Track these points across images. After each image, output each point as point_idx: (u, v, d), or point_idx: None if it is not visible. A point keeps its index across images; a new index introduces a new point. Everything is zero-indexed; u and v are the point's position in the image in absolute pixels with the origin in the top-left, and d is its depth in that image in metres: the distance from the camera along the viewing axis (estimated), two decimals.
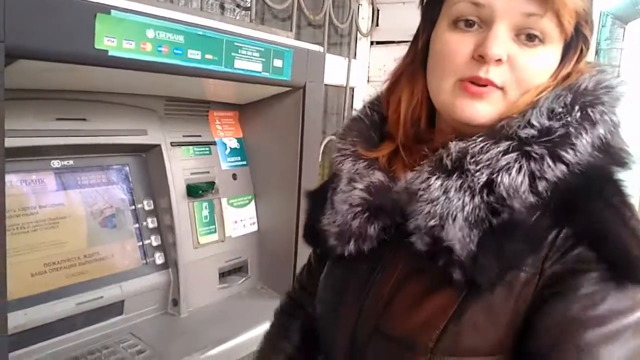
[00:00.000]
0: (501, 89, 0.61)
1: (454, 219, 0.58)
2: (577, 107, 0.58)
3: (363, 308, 0.68)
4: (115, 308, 1.03)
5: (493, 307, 0.58)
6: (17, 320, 0.87)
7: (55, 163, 0.98)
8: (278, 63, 1.14)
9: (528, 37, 0.60)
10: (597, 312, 0.53)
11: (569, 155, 0.56)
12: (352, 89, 2.03)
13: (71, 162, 1.00)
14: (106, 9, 0.80)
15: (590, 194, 0.56)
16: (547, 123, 0.58)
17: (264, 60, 1.10)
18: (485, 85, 0.60)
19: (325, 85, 1.33)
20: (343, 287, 0.72)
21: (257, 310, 1.21)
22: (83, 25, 0.78)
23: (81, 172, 1.02)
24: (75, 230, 0.99)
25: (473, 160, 0.58)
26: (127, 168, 1.11)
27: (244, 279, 1.32)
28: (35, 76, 0.85)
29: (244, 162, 1.39)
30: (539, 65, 0.61)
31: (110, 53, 0.81)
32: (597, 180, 0.57)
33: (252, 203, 1.38)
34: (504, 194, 0.56)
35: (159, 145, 1.12)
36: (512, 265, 0.56)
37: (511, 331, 0.57)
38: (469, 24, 0.61)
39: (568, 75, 0.63)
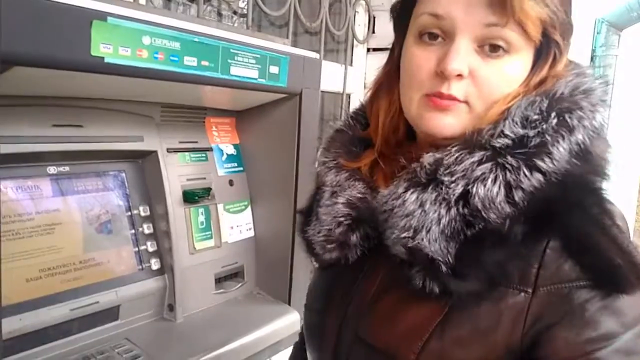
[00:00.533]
0: (465, 102, 0.61)
1: (428, 231, 0.57)
2: (553, 114, 0.57)
3: (346, 316, 0.69)
4: (111, 313, 1.03)
5: (479, 323, 0.57)
6: (12, 325, 0.87)
7: (51, 169, 0.98)
8: (274, 70, 1.15)
9: (492, 47, 0.59)
10: (600, 332, 0.53)
11: (545, 164, 0.55)
12: (349, 96, 2.04)
13: (67, 168, 1.00)
14: (102, 16, 0.80)
15: (568, 203, 0.55)
16: (521, 132, 0.57)
17: (260, 67, 1.10)
18: (450, 99, 0.61)
19: (322, 91, 1.34)
20: (329, 295, 0.73)
21: (254, 316, 1.22)
22: (79, 32, 0.78)
23: (77, 178, 1.02)
24: (71, 236, 0.99)
25: (447, 171, 0.58)
26: (123, 174, 1.11)
27: (240, 284, 1.32)
28: (31, 83, 0.85)
29: (241, 168, 1.39)
30: (504, 75, 0.60)
31: (106, 60, 0.82)
32: (575, 189, 0.56)
33: (249, 209, 1.39)
34: (479, 206, 0.56)
35: (155, 152, 1.13)
36: (494, 278, 0.56)
37: (503, 350, 0.56)
38: (433, 36, 0.62)
39: (542, 82, 0.62)
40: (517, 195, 0.55)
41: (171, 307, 1.13)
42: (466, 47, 0.59)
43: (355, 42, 2.01)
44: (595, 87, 0.60)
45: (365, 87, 2.12)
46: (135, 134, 1.09)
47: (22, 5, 0.70)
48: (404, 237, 0.59)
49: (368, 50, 2.11)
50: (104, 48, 0.81)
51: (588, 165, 0.57)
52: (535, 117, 0.57)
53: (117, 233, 1.07)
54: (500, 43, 0.59)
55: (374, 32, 2.08)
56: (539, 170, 0.55)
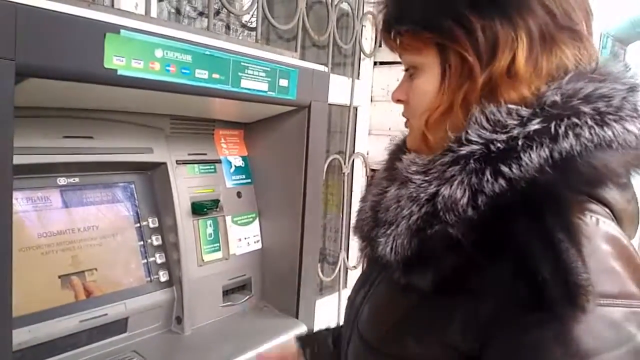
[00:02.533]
0: (409, 120, 0.71)
1: (397, 226, 0.61)
2: (536, 120, 0.56)
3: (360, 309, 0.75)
4: (119, 325, 1.03)
5: (435, 320, 0.60)
6: (22, 337, 0.87)
7: (62, 180, 0.98)
8: (284, 82, 1.16)
9: (410, 73, 0.69)
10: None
11: (509, 170, 0.55)
12: (356, 108, 2.05)
13: (77, 179, 1.01)
14: (115, 29, 0.81)
15: (523, 212, 0.54)
16: (488, 136, 0.57)
17: (270, 79, 1.11)
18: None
19: (329, 104, 1.35)
20: (361, 286, 0.78)
21: (261, 329, 1.21)
22: (93, 44, 0.79)
23: (87, 190, 1.03)
24: (79, 247, 0.99)
25: (422, 170, 0.62)
26: (133, 186, 1.11)
27: (247, 297, 1.31)
28: (44, 94, 0.86)
29: (249, 180, 1.39)
30: (417, 93, 0.67)
31: (119, 72, 0.83)
32: (536, 198, 0.54)
33: (257, 221, 1.39)
34: (439, 206, 0.58)
35: (164, 163, 1.13)
36: (445, 278, 0.58)
37: (452, 349, 0.58)
38: None
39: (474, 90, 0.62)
40: (480, 200, 0.56)
41: (179, 320, 1.12)
42: (406, 77, 0.70)
43: (362, 55, 2.02)
44: (614, 95, 0.57)
45: (372, 100, 2.13)
46: (145, 146, 1.10)
47: (37, 18, 0.71)
48: (382, 232, 0.64)
49: (375, 63, 2.12)
50: (116, 60, 0.82)
51: (565, 176, 0.55)
52: (510, 122, 0.57)
53: (126, 245, 1.07)
54: (407, 68, 0.69)
55: (380, 45, 2.09)
56: (503, 176, 0.55)
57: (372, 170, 2.08)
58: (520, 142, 0.55)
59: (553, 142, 0.55)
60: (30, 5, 0.70)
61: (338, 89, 1.88)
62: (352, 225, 0.83)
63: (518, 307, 0.53)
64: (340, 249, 2.04)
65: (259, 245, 1.38)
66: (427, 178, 0.60)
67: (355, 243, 1.96)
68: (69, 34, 0.76)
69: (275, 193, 1.37)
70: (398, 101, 0.72)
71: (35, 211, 0.94)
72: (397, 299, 0.66)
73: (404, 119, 0.75)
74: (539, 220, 0.52)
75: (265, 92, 1.11)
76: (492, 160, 0.56)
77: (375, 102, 2.13)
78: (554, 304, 0.51)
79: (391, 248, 0.61)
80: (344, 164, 1.98)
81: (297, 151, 1.29)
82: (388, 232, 0.62)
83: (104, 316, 0.99)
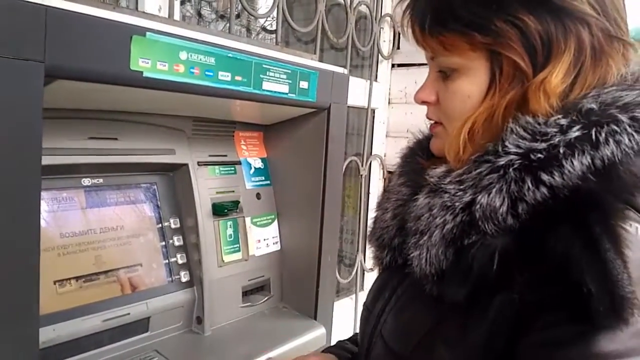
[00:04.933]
0: (441, 124, 0.68)
1: (431, 236, 0.60)
2: (576, 127, 0.56)
3: (384, 314, 0.74)
4: (141, 325, 1.04)
5: (467, 326, 0.58)
6: (47, 335, 0.88)
7: (86, 181, 1.00)
8: (304, 85, 1.16)
9: (443, 74, 0.66)
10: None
11: (551, 178, 0.54)
12: (373, 111, 2.05)
13: (101, 180, 1.02)
14: (141, 32, 0.82)
15: (567, 220, 0.53)
16: (528, 145, 0.57)
17: (290, 82, 1.11)
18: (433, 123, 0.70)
19: (347, 106, 1.35)
20: (378, 294, 0.76)
21: (281, 330, 1.21)
22: (119, 47, 0.80)
23: (110, 190, 1.04)
24: (103, 247, 1.00)
25: (457, 179, 0.61)
26: (155, 187, 1.12)
27: (266, 298, 1.32)
28: (71, 96, 0.87)
29: (268, 182, 1.40)
30: (456, 96, 0.64)
31: (144, 74, 0.83)
32: (580, 206, 0.53)
33: (275, 222, 1.39)
34: (477, 215, 0.57)
35: (186, 165, 1.14)
36: (482, 286, 0.56)
37: (489, 354, 0.57)
38: None
39: (518, 96, 0.60)
40: (521, 208, 0.55)
41: (199, 320, 1.13)
42: (433, 77, 0.68)
43: (380, 57, 2.02)
44: None
45: (389, 102, 2.13)
46: (167, 147, 1.11)
47: (66, 20, 0.72)
48: (413, 242, 0.63)
49: (393, 66, 2.12)
50: (142, 62, 0.83)
51: (609, 183, 0.54)
52: (551, 130, 0.56)
53: (148, 245, 1.08)
54: (444, 70, 0.66)
55: (398, 48, 2.09)
56: (545, 184, 0.54)
57: (389, 172, 2.08)
58: (561, 150, 0.55)
59: (594, 149, 0.54)
60: (59, 8, 0.71)
61: (356, 91, 1.88)
62: (368, 233, 0.82)
63: (556, 317, 0.52)
64: (357, 251, 2.04)
65: (277, 247, 1.38)
66: (461, 187, 0.59)
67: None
68: (97, 36, 0.77)
69: (294, 195, 1.38)
70: (423, 102, 0.69)
71: (61, 211, 0.95)
72: (426, 309, 0.65)
73: (428, 121, 0.73)
74: (583, 229, 0.51)
75: (286, 94, 1.12)
76: (533, 168, 0.55)
77: (393, 104, 2.12)
78: (597, 316, 0.49)
79: (426, 260, 0.60)
80: (362, 166, 1.98)
81: (316, 153, 1.29)
82: (420, 242, 0.61)
83: (126, 316, 1.00)
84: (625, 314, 0.49)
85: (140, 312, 1.02)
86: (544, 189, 0.54)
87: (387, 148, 2.14)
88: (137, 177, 1.09)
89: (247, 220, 1.31)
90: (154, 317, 1.05)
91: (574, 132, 0.55)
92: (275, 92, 1.08)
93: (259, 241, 1.34)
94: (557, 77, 0.58)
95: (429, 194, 0.63)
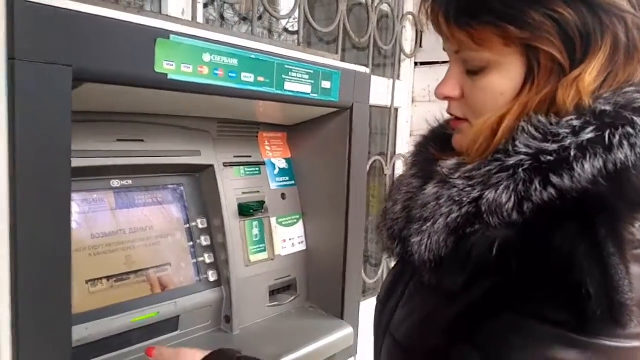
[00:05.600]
0: (465, 120, 0.66)
1: (435, 223, 0.60)
2: (589, 129, 0.54)
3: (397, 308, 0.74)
4: (171, 324, 1.05)
5: (460, 317, 0.60)
6: (80, 334, 0.90)
7: (115, 183, 1.02)
8: (326, 85, 1.16)
9: (468, 69, 0.63)
10: None
11: (561, 181, 0.53)
12: (397, 110, 2.04)
13: (130, 181, 1.04)
14: (166, 34, 0.83)
15: (573, 221, 0.52)
16: (538, 145, 0.56)
17: (313, 82, 1.12)
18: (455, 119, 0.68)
19: (370, 106, 1.35)
20: (391, 287, 0.77)
21: (308, 330, 1.21)
22: (144, 49, 0.81)
23: (139, 192, 1.06)
24: (133, 247, 1.02)
25: (466, 175, 0.60)
26: (182, 188, 1.14)
27: (293, 297, 1.32)
28: (98, 99, 0.89)
29: (292, 182, 1.40)
30: (487, 90, 0.62)
31: (169, 76, 0.85)
32: (586, 209, 0.52)
33: (301, 222, 1.39)
34: (483, 208, 0.56)
35: (212, 166, 1.16)
36: (478, 275, 0.57)
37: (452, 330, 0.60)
38: None
39: (553, 97, 0.59)
40: (526, 206, 0.54)
41: (228, 319, 1.14)
42: (457, 71, 0.65)
43: (402, 56, 2.01)
44: None
45: (413, 101, 2.11)
46: (193, 149, 1.12)
47: (92, 24, 0.74)
48: (415, 228, 0.63)
49: (415, 64, 2.11)
50: (167, 65, 0.84)
51: (619, 188, 0.52)
52: (563, 131, 0.55)
53: (177, 245, 1.10)
54: (473, 63, 0.62)
55: (421, 46, 2.08)
56: (554, 186, 0.53)
57: None
58: (572, 152, 0.54)
59: (607, 152, 0.53)
60: (85, 12, 0.73)
61: (379, 91, 1.87)
62: (378, 224, 0.80)
63: (544, 311, 0.53)
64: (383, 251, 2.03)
65: (303, 247, 1.38)
66: (470, 183, 0.59)
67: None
68: (122, 39, 0.78)
69: (319, 195, 1.38)
70: (446, 98, 0.67)
71: (91, 212, 0.97)
72: (427, 300, 0.66)
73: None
74: (589, 232, 0.51)
75: (309, 94, 1.12)
76: (543, 170, 0.54)
77: (417, 103, 2.11)
78: (593, 318, 0.49)
79: (426, 246, 0.60)
80: (386, 165, 1.97)
81: (340, 153, 1.29)
82: (423, 228, 0.61)
83: (155, 315, 1.01)
84: (623, 320, 0.49)
85: (169, 311, 1.04)
86: (551, 190, 0.54)
87: (411, 147, 2.13)
88: (165, 178, 1.11)
89: (273, 220, 1.32)
90: (183, 316, 1.06)
91: (587, 134, 0.54)
92: (297, 92, 1.08)
93: (285, 241, 1.34)
94: (591, 74, 0.57)
95: (438, 184, 0.63)
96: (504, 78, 0.60)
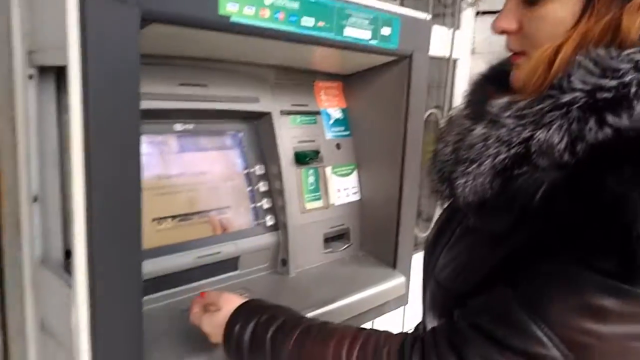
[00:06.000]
0: (524, 54, 0.64)
1: (480, 165, 0.59)
2: None
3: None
4: (231, 264, 1.10)
5: (498, 259, 0.60)
6: (147, 268, 0.95)
7: (178, 126, 1.05)
8: (386, 31, 1.13)
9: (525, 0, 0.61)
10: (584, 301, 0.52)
11: (618, 119, 0.50)
12: (455, 61, 1.97)
13: (191, 126, 1.07)
14: None
15: (629, 162, 0.49)
16: (596, 81, 0.53)
17: (372, 28, 1.09)
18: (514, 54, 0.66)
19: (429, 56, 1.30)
20: (440, 229, 0.77)
21: (361, 277, 1.24)
22: None
23: (200, 136, 1.09)
24: (195, 189, 1.06)
25: (517, 114, 0.58)
26: (241, 134, 1.16)
27: (346, 245, 1.34)
28: (163, 42, 0.91)
29: (348, 133, 1.40)
30: (546, 22, 0.60)
31: (231, 19, 0.85)
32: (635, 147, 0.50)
33: (355, 173, 1.40)
34: (533, 149, 0.55)
35: (269, 113, 1.17)
36: (523, 217, 0.55)
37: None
38: None
39: (617, 26, 0.55)
40: (579, 146, 0.52)
41: (284, 262, 1.18)
42: (514, 3, 0.63)
43: (463, 4, 1.93)
44: None
45: (473, 52, 2.03)
46: (252, 95, 1.13)
47: None
48: (461, 170, 0.62)
49: (477, 13, 2.01)
50: (230, 7, 0.84)
51: None
52: (623, 66, 0.52)
53: (237, 189, 1.13)
54: None
55: None
56: (610, 125, 0.51)
57: None
58: (633, 90, 0.51)
59: None
60: None
61: (436, 41, 1.81)
62: (427, 166, 0.79)
63: (594, 262, 0.51)
64: (436, 205, 2.01)
65: (357, 197, 1.39)
66: (521, 122, 0.57)
67: None
68: None
69: (373, 146, 1.37)
70: (503, 32, 0.65)
71: (156, 154, 1.01)
72: (471, 244, 0.66)
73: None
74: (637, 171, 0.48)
75: (368, 40, 1.10)
76: (598, 108, 0.52)
77: (477, 54, 2.03)
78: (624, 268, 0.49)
79: (470, 188, 0.59)
80: (441, 119, 1.93)
81: (397, 103, 1.26)
82: (468, 170, 0.60)
83: (217, 254, 1.06)
84: None
85: (230, 251, 1.08)
86: (607, 130, 0.51)
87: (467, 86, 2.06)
88: (224, 124, 1.13)
89: (328, 169, 1.33)
90: (242, 257, 1.11)
91: None
92: (357, 38, 1.06)
93: (339, 190, 1.35)
94: None
95: (487, 124, 0.62)
96: (562, 4, 0.58)
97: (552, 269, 0.54)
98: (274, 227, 1.18)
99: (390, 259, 1.31)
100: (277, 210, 1.18)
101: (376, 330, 0.70)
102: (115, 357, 0.77)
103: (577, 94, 0.53)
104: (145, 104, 0.91)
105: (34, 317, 0.97)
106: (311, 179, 1.28)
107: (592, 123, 0.52)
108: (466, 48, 2.00)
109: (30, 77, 0.85)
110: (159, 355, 0.84)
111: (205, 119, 1.10)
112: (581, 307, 0.52)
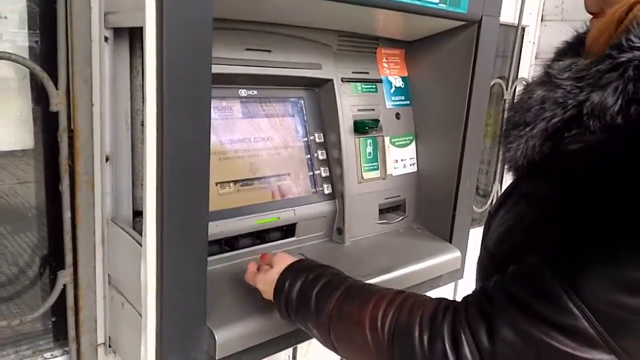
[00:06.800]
0: (602, 14, 0.59)
1: (534, 127, 0.58)
2: None
3: None
4: (289, 230, 1.11)
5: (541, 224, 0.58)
6: (211, 230, 0.97)
7: (243, 92, 1.05)
8: None
9: None
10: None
11: None
12: (523, 29, 1.87)
13: (255, 92, 1.07)
14: None
15: None
16: None
17: None
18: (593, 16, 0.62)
19: None
20: (502, 198, 0.74)
21: (416, 249, 1.23)
22: None
23: (263, 103, 1.09)
24: (256, 155, 1.07)
25: (576, 76, 0.56)
26: (302, 101, 1.16)
27: (401, 217, 1.33)
28: (231, 5, 0.90)
29: (408, 102, 1.37)
30: None
31: None
32: None
33: (413, 143, 1.37)
34: (585, 110, 0.53)
35: (331, 80, 1.15)
36: (571, 181, 0.54)
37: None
38: None
39: None
40: (634, 108, 0.50)
41: (340, 231, 1.18)
42: None
43: None
44: None
45: (542, 19, 1.92)
46: (315, 62, 1.12)
47: None
48: (515, 133, 0.61)
49: None
50: None
51: None
52: None
53: (296, 157, 1.13)
54: None
55: None
56: None
57: None
58: None
59: None
60: None
61: (503, 6, 1.72)
62: (501, 136, 0.77)
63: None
64: (494, 180, 1.96)
65: (414, 168, 1.37)
66: (579, 84, 0.55)
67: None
68: None
69: (434, 116, 1.34)
70: None
71: (221, 119, 1.02)
72: (521, 209, 0.64)
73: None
74: None
75: (436, 4, 1.05)
76: None
77: (546, 22, 1.92)
78: None
79: (522, 151, 0.58)
80: (506, 90, 1.85)
81: (462, 72, 1.22)
82: (521, 133, 0.59)
83: (276, 220, 1.07)
84: None
85: (288, 217, 1.09)
86: None
87: (536, 71, 1.97)
88: (287, 91, 1.13)
89: (386, 139, 1.31)
90: (300, 224, 1.12)
91: None
92: (425, 0, 1.02)
93: (397, 161, 1.33)
94: None
95: (546, 86, 0.59)
96: None
97: (589, 239, 0.52)
98: (331, 196, 1.18)
99: (446, 232, 1.29)
100: (335, 179, 1.18)
101: (415, 294, 0.72)
102: (180, 312, 0.81)
103: (636, 52, 0.51)
104: (213, 68, 0.92)
105: (103, 272, 1.02)
106: (369, 149, 1.27)
107: None
108: (535, 15, 1.89)
109: (106, 39, 0.87)
110: (220, 312, 0.87)
111: (269, 85, 1.10)
112: (616, 280, 0.50)
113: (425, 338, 0.62)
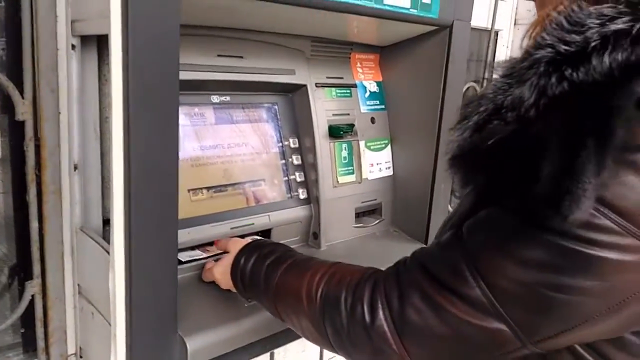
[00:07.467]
0: None
1: (470, 120, 0.59)
2: (621, 20, 0.50)
3: None
4: (264, 235, 1.11)
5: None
6: (183, 237, 0.97)
7: (215, 98, 1.05)
8: None
9: None
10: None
11: (575, 75, 0.50)
12: (497, 33, 1.90)
13: (228, 98, 1.07)
14: None
15: (558, 112, 0.50)
16: (561, 36, 0.52)
17: None
18: None
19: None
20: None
21: (392, 251, 1.22)
22: None
23: (236, 109, 1.09)
24: (230, 161, 1.06)
25: (506, 73, 0.57)
26: (276, 107, 1.16)
27: (377, 220, 1.34)
28: (202, 12, 0.90)
29: (383, 107, 1.38)
30: None
31: None
32: (585, 101, 0.50)
33: (389, 147, 1.38)
34: (505, 103, 0.55)
35: (305, 86, 1.16)
36: (477, 172, 0.58)
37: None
38: None
39: None
40: (542, 101, 0.52)
41: (315, 235, 1.18)
42: None
43: None
44: None
45: (515, 23, 1.95)
46: (288, 67, 1.12)
47: None
48: (456, 127, 0.62)
49: None
50: None
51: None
52: (590, 21, 0.51)
53: (271, 162, 1.13)
54: None
55: None
56: (567, 80, 0.50)
57: None
58: (592, 44, 0.49)
59: (633, 44, 0.48)
60: None
61: (478, 11, 1.74)
62: None
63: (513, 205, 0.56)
64: None
65: (390, 172, 1.38)
66: (508, 81, 0.56)
67: None
68: None
69: (409, 120, 1.35)
70: None
71: (193, 126, 1.01)
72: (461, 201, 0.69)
73: None
74: (574, 121, 0.50)
75: (408, 9, 1.06)
76: (558, 63, 0.51)
77: (519, 26, 1.95)
78: (537, 205, 0.51)
79: (458, 144, 0.60)
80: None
81: (435, 76, 1.23)
82: (459, 125, 0.60)
83: (250, 225, 1.07)
84: (562, 207, 0.49)
85: (263, 223, 1.09)
86: (565, 84, 0.50)
87: None
88: (260, 96, 1.13)
89: (362, 143, 1.31)
90: (275, 229, 1.12)
91: (617, 25, 0.49)
92: (396, 7, 1.03)
93: (372, 165, 1.34)
94: None
95: (488, 85, 0.62)
96: None
97: (489, 215, 0.59)
98: (307, 201, 1.18)
99: (422, 235, 1.30)
100: (310, 183, 1.18)
101: (348, 265, 0.78)
102: (150, 321, 0.80)
103: (548, 49, 0.53)
104: (184, 75, 0.92)
105: (73, 282, 1.01)
106: (344, 153, 1.27)
107: (554, 78, 0.51)
108: (508, 19, 1.92)
109: (73, 47, 0.86)
110: (192, 320, 0.86)
111: (242, 91, 1.09)
112: (507, 253, 0.56)
113: (349, 303, 0.68)
